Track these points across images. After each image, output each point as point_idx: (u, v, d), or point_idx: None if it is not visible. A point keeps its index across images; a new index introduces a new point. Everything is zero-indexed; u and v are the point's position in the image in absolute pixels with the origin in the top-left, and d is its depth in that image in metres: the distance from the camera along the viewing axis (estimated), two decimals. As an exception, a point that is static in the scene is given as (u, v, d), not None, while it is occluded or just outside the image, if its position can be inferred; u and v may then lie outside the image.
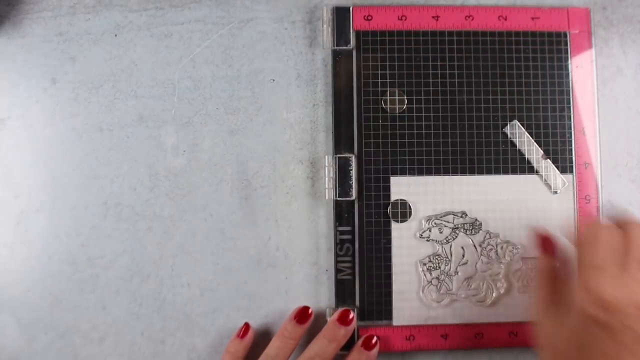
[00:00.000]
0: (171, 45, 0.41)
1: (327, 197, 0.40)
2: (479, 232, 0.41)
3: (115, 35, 0.41)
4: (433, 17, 0.41)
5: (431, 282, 0.40)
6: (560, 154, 0.41)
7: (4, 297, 0.40)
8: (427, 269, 0.40)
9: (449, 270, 0.40)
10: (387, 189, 0.40)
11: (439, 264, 0.40)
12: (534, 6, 0.42)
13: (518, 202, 0.41)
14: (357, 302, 0.40)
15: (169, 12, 0.41)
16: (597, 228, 0.31)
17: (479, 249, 0.40)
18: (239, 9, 0.42)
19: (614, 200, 0.42)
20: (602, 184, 0.41)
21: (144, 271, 0.40)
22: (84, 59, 0.41)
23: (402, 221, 0.40)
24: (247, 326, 0.39)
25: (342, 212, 0.40)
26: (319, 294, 0.40)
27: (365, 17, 0.41)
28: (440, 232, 0.40)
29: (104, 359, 0.40)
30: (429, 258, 0.40)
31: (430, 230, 0.40)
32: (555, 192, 0.41)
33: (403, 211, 0.40)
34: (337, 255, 0.40)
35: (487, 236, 0.41)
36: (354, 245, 0.40)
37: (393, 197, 0.40)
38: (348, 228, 0.40)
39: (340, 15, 0.41)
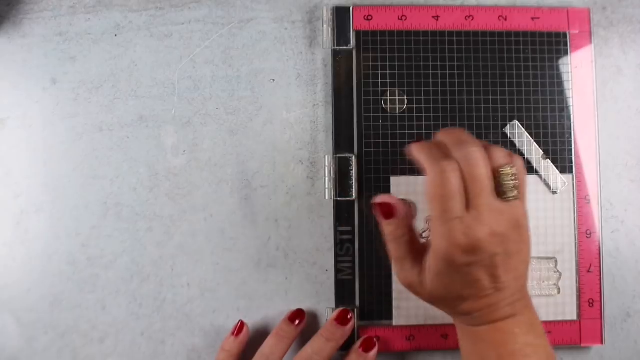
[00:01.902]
0: (171, 45, 0.41)
1: (327, 197, 0.40)
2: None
3: (115, 35, 0.41)
4: (433, 17, 0.41)
5: (431, 282, 0.40)
6: (560, 154, 0.41)
7: (4, 297, 0.40)
8: (427, 269, 0.40)
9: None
10: (387, 189, 0.40)
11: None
12: (534, 6, 0.42)
13: (518, 202, 0.41)
14: (357, 302, 0.40)
15: (169, 12, 0.41)
16: (437, 178, 0.30)
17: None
18: (239, 9, 0.42)
19: (613, 200, 0.42)
20: (602, 184, 0.41)
21: (144, 271, 0.40)
22: (84, 59, 0.41)
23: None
24: (242, 324, 0.39)
25: (342, 212, 0.40)
26: (319, 294, 0.40)
27: (366, 17, 0.41)
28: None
29: (104, 359, 0.40)
30: (429, 258, 0.40)
31: (430, 230, 0.40)
32: (555, 192, 0.41)
33: (403, 211, 0.40)
34: (337, 255, 0.40)
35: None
36: (354, 245, 0.40)
37: (393, 197, 0.40)
38: (348, 228, 0.40)
39: (340, 15, 0.41)
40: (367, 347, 0.38)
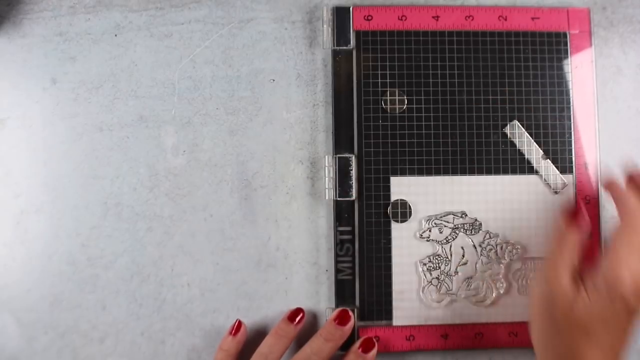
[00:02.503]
0: (171, 45, 0.41)
1: (327, 197, 0.40)
2: (478, 232, 0.41)
3: (115, 35, 0.41)
4: (433, 17, 0.41)
5: (431, 282, 0.40)
6: (560, 154, 0.41)
7: (4, 297, 0.40)
8: (427, 269, 0.40)
9: (449, 270, 0.40)
10: (387, 189, 0.40)
11: (439, 264, 0.40)
12: (534, 6, 0.42)
13: (518, 202, 0.41)
14: (357, 302, 0.40)
15: (169, 12, 0.41)
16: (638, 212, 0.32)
17: (478, 249, 0.40)
18: (239, 9, 0.42)
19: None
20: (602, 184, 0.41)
21: (144, 271, 0.40)
22: (84, 59, 0.41)
23: (402, 221, 0.40)
24: (239, 323, 0.39)
25: (342, 212, 0.40)
26: (319, 294, 0.40)
27: (365, 17, 0.41)
28: (440, 232, 0.40)
29: (104, 359, 0.40)
30: (429, 258, 0.40)
31: (430, 230, 0.40)
32: (555, 192, 0.41)
33: (403, 211, 0.40)
34: (337, 255, 0.40)
35: (487, 236, 0.41)
36: (354, 245, 0.40)
37: (393, 197, 0.40)
38: (348, 228, 0.40)
39: (340, 15, 0.41)
40: (366, 348, 0.38)
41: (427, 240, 0.40)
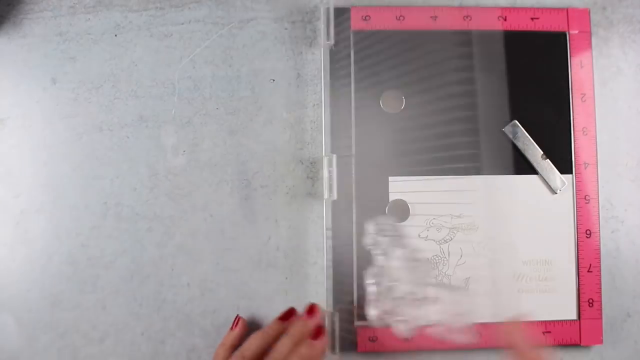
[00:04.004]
0: (171, 45, 0.41)
1: (326, 197, 0.40)
2: (477, 232, 0.41)
3: (115, 35, 0.41)
4: (431, 17, 0.41)
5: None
6: (560, 154, 0.41)
7: (4, 297, 0.40)
8: (427, 269, 0.40)
9: (447, 270, 0.40)
10: (386, 188, 0.40)
11: (436, 264, 0.40)
12: (533, 6, 0.42)
13: (518, 202, 0.41)
14: (356, 302, 0.40)
15: (169, 12, 0.41)
16: None
17: (476, 249, 0.40)
18: (239, 9, 0.42)
19: (613, 200, 0.42)
20: (602, 184, 0.41)
21: (144, 271, 0.40)
22: (84, 59, 0.41)
23: (400, 221, 0.40)
24: (238, 318, 0.39)
25: (341, 212, 0.40)
26: (319, 294, 0.40)
27: (364, 17, 0.41)
28: (439, 232, 0.40)
29: (104, 359, 0.40)
30: (429, 258, 0.40)
31: (428, 230, 0.40)
32: (555, 192, 0.41)
33: (402, 211, 0.40)
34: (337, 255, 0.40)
35: (486, 236, 0.41)
36: (353, 245, 0.40)
37: (391, 197, 0.40)
38: (347, 228, 0.40)
39: (339, 16, 0.41)
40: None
41: (426, 240, 0.40)
